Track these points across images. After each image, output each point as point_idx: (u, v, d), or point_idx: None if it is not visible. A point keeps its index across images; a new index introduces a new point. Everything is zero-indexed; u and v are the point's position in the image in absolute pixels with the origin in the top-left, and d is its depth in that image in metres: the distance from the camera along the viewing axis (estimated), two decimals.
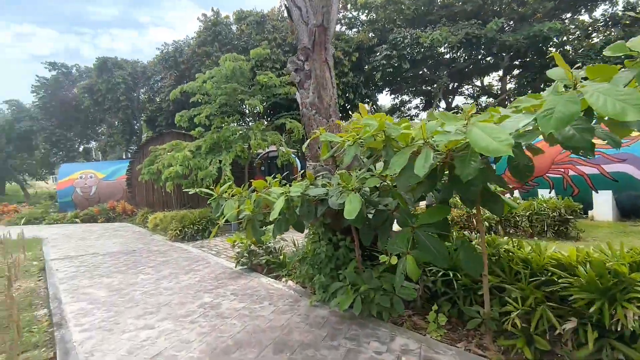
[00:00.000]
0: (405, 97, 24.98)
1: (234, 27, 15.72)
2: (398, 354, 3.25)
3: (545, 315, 3.18)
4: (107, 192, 17.00)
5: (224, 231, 10.50)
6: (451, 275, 4.02)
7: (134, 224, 13.34)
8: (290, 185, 3.49)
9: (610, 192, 9.18)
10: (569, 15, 17.09)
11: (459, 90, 23.15)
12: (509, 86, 20.04)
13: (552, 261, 3.68)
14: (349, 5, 17.07)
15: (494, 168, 2.78)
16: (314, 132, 5.48)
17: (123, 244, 9.53)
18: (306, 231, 5.15)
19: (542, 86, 17.31)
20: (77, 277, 6.36)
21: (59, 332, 4.07)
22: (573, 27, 14.46)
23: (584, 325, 2.88)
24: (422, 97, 25.27)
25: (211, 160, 10.60)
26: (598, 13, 18.31)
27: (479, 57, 17.13)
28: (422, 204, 8.32)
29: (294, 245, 6.56)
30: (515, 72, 18.12)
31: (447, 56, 16.60)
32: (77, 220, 14.71)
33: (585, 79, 1.97)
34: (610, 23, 15.79)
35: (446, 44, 13.46)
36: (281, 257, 6.20)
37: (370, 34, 15.06)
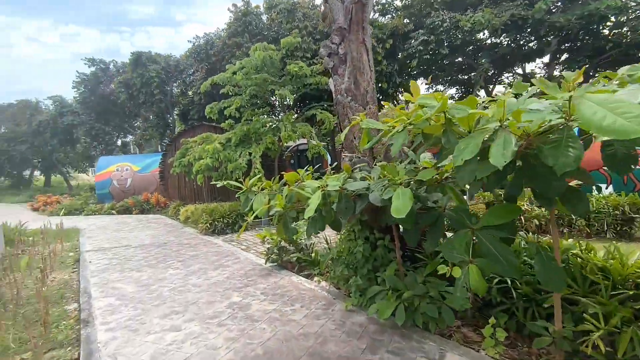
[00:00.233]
0: (440, 87, 23.86)
1: (264, 17, 15.44)
2: None
3: (638, 338, 2.61)
4: (141, 184, 17.38)
5: (253, 225, 10.31)
6: (509, 282, 3.50)
7: (167, 216, 13.49)
8: (323, 179, 3.08)
9: None
10: None
11: (499, 78, 21.78)
12: (555, 73, 18.58)
13: (638, 271, 3.08)
14: None
15: None
16: (351, 120, 5.05)
17: (155, 236, 9.55)
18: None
19: (591, 73, 15.84)
20: (108, 270, 6.31)
21: (85, 330, 3.92)
22: (634, 3, 12.99)
23: None
24: (458, 87, 24.06)
25: (241, 153, 10.40)
26: None
27: (524, 41, 15.90)
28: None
29: (326, 242, 6.18)
30: (564, 57, 16.69)
31: (488, 41, 15.50)
32: (113, 211, 15.11)
33: None
34: None
35: (488, 28, 12.49)
36: (313, 254, 5.84)
37: (405, 20, 14.29)
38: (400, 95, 14.62)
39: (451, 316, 3.39)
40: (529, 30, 14.06)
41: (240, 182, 4.22)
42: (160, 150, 24.31)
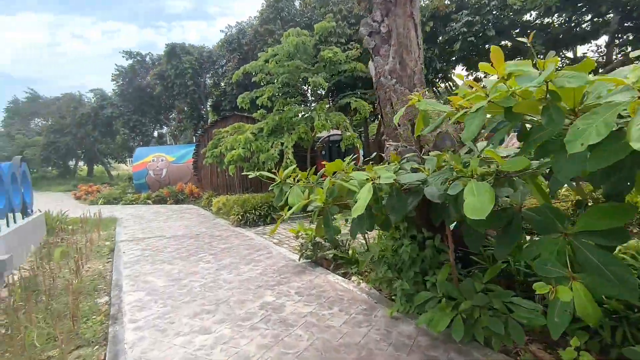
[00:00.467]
0: (481, 74, 22.48)
1: (297, 3, 14.99)
2: None
3: None
4: (176, 174, 17.62)
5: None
6: None
7: (200, 206, 13.53)
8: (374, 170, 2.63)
9: None
10: None
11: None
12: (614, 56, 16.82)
13: None
14: None
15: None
16: (395, 105, 4.55)
17: (187, 227, 9.49)
18: None
19: None
20: (140, 262, 6.21)
21: (113, 328, 3.73)
22: None
23: None
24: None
25: (273, 143, 10.10)
26: None
27: (579, 20, 14.44)
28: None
29: (364, 239, 5.74)
30: (627, 37, 15.03)
31: (538, 21, 14.20)
32: (149, 201, 15.39)
33: None
34: None
35: (541, 6, 11.35)
36: (350, 251, 5.42)
37: (447, 1, 13.34)
38: (440, 83, 13.75)
39: (521, 333, 2.87)
40: (586, 7, 12.70)
41: (274, 174, 3.85)
42: (194, 141, 24.68)
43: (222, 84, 20.10)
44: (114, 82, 25.22)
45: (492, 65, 1.93)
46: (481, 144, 3.11)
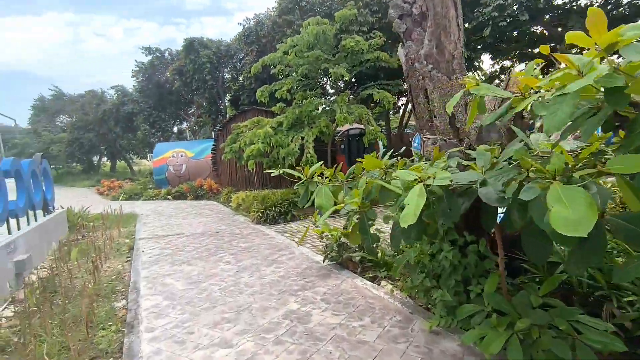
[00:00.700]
0: (507, 63, 21.41)
1: None
2: None
3: None
4: (195, 170, 17.57)
5: (307, 214, 9.70)
6: None
7: (219, 202, 13.39)
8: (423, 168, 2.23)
9: None
10: None
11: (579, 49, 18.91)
12: None
13: None
14: None
15: None
16: (431, 93, 4.10)
17: (207, 224, 9.30)
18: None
19: None
20: (159, 262, 6.01)
21: (129, 338, 3.48)
22: None
23: None
24: (528, 62, 21.44)
25: (293, 137, 9.77)
26: None
27: (618, 2, 13.40)
28: None
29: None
30: None
31: (575, 4, 13.24)
32: (169, 197, 15.39)
33: None
34: None
35: None
36: (379, 254, 5.03)
37: None
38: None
39: None
40: None
41: (299, 172, 3.50)
42: (212, 136, 24.66)
43: (241, 78, 19.87)
44: (134, 78, 25.42)
45: (587, 33, 1.49)
46: (534, 136, 2.67)
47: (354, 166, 3.42)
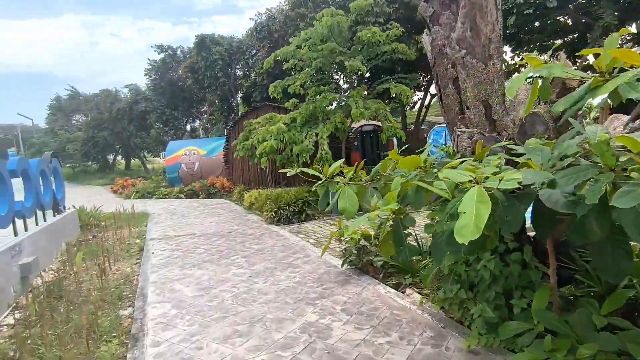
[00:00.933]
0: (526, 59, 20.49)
1: None
2: None
3: None
4: (208, 168, 17.38)
5: (322, 213, 9.34)
6: None
7: (231, 201, 13.14)
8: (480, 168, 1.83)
9: None
10: None
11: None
12: None
13: None
14: None
15: None
16: (464, 82, 3.68)
17: (219, 223, 9.03)
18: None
19: None
20: (169, 265, 5.74)
21: (132, 353, 3.18)
22: None
23: None
24: (554, 53, 20.56)
25: (307, 134, 9.41)
26: None
27: None
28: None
29: (416, 241, 4.93)
30: None
31: None
32: (181, 195, 15.23)
33: None
34: None
35: None
36: None
37: None
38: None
39: None
40: None
41: (317, 170, 3.13)
42: (225, 134, 24.52)
43: (253, 75, 19.58)
44: (147, 76, 25.39)
45: None
46: (590, 128, 2.24)
47: (379, 164, 3.04)
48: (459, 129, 3.45)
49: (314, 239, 6.91)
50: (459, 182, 1.60)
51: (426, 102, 16.67)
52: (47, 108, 37.15)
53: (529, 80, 3.88)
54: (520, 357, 2.52)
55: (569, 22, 16.28)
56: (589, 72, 2.10)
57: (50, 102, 37.08)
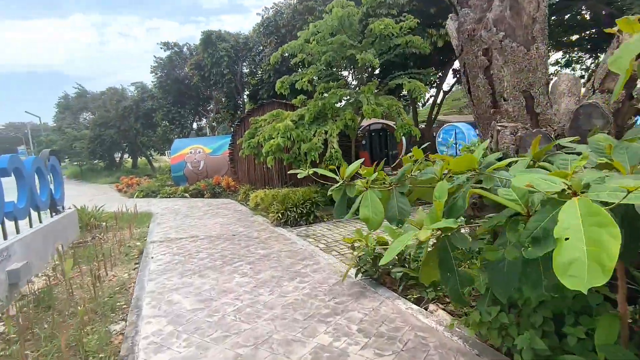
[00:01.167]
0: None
1: None
2: None
3: None
4: (213, 166, 17.03)
5: (330, 214, 8.89)
6: None
7: (236, 201, 12.74)
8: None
9: None
10: None
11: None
12: None
13: None
14: None
15: None
16: (502, 69, 3.19)
17: (223, 225, 8.62)
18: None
19: None
20: (168, 272, 5.33)
21: None
22: None
23: None
24: (565, 50, 19.87)
25: (315, 131, 8.95)
26: None
27: None
28: None
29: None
30: None
31: None
32: (186, 195, 14.88)
33: None
34: None
35: None
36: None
37: None
38: None
39: None
40: None
41: (335, 172, 2.68)
42: (231, 132, 24.17)
43: (259, 72, 19.19)
44: (153, 74, 25.12)
45: None
46: None
47: (407, 165, 2.58)
48: (500, 124, 2.95)
49: (324, 244, 6.46)
50: (547, 192, 1.14)
51: (438, 100, 16.11)
52: (55, 106, 37.22)
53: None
54: None
55: (587, 16, 15.60)
56: None
57: (58, 101, 37.17)
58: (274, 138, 8.76)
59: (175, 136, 27.56)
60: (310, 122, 9.28)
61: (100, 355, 3.20)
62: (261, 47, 19.21)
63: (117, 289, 4.93)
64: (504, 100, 3.29)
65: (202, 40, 19.78)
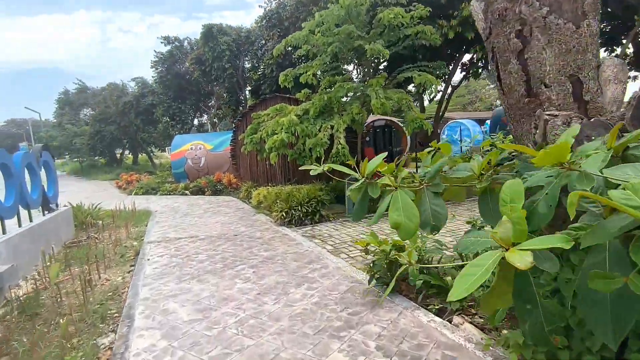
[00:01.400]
0: None
1: None
2: None
3: None
4: (214, 163, 16.65)
5: (337, 213, 8.49)
6: None
7: (238, 198, 12.36)
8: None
9: None
10: None
11: None
12: None
13: None
14: None
15: None
16: (543, 51, 2.78)
17: (224, 224, 8.24)
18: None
19: None
20: (164, 276, 4.94)
21: None
22: None
23: None
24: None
25: (321, 126, 8.54)
26: None
27: None
28: None
29: (460, 257, 4.06)
30: None
31: None
32: (187, 192, 14.50)
33: None
34: None
35: None
36: (448, 278, 3.76)
37: None
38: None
39: None
40: None
41: (355, 168, 2.29)
42: (233, 128, 23.77)
43: (261, 66, 18.73)
44: (153, 68, 24.67)
45: None
46: None
47: (442, 160, 2.18)
48: (548, 112, 2.54)
49: (331, 245, 6.06)
50: None
51: (446, 95, 15.63)
52: (55, 102, 36.80)
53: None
54: None
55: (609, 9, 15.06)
56: None
57: (58, 96, 36.75)
58: (277, 133, 8.35)
59: (176, 132, 27.14)
60: (315, 117, 8.86)
61: None
62: (263, 41, 18.74)
63: (110, 294, 4.56)
64: (545, 86, 2.86)
65: (202, 34, 19.32)
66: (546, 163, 1.22)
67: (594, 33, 2.69)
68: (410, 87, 13.83)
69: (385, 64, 12.81)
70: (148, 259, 5.78)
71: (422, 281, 3.69)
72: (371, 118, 13.44)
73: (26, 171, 6.58)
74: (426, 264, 4.10)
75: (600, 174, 1.12)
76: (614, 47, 13.05)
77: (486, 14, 3.23)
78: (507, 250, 0.96)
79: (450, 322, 3.35)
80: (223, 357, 2.90)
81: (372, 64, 10.50)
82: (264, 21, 16.82)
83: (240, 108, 22.23)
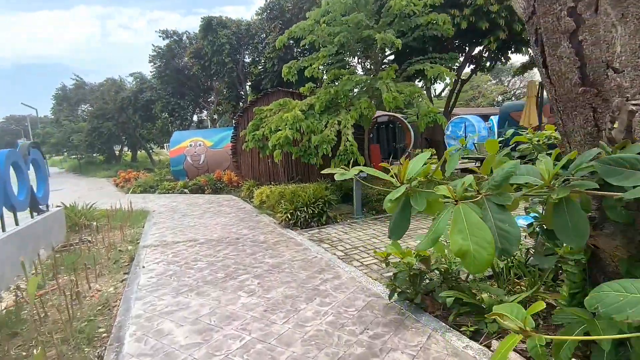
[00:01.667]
0: None
1: None
2: None
3: None
4: (215, 160, 16.17)
5: (345, 213, 8.02)
6: None
7: (239, 197, 11.89)
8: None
9: None
10: None
11: None
12: None
13: None
14: None
15: None
16: (621, 23, 2.30)
17: (225, 226, 7.77)
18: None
19: None
20: (160, 287, 4.48)
21: None
22: None
23: None
24: None
25: (327, 122, 8.06)
26: None
27: None
28: None
29: (495, 272, 3.61)
30: None
31: None
32: (186, 190, 14.02)
33: None
34: None
35: None
36: (483, 295, 3.29)
37: None
38: None
39: None
40: None
41: (392, 173, 1.81)
42: (233, 124, 23.26)
43: (262, 61, 18.19)
44: (152, 63, 24.09)
45: None
46: None
47: (511, 164, 1.70)
48: (634, 102, 2.06)
49: (342, 251, 5.60)
50: None
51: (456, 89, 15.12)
52: (52, 98, 36.21)
53: None
54: None
55: None
56: None
57: (55, 92, 36.14)
58: (281, 130, 7.87)
59: (175, 128, 26.62)
60: (321, 112, 8.38)
61: None
62: (264, 35, 18.19)
63: (99, 308, 4.10)
64: (615, 71, 2.37)
65: (201, 27, 18.75)
66: None
67: None
68: (422, 80, 13.27)
69: (391, 56, 12.32)
70: (143, 267, 5.31)
71: (452, 298, 3.22)
72: (376, 114, 12.95)
73: (12, 170, 6.11)
74: (454, 276, 3.63)
75: None
76: None
77: None
78: None
79: (488, 348, 2.89)
80: None
81: (379, 56, 9.98)
82: (265, 13, 16.29)
83: (241, 103, 21.70)
